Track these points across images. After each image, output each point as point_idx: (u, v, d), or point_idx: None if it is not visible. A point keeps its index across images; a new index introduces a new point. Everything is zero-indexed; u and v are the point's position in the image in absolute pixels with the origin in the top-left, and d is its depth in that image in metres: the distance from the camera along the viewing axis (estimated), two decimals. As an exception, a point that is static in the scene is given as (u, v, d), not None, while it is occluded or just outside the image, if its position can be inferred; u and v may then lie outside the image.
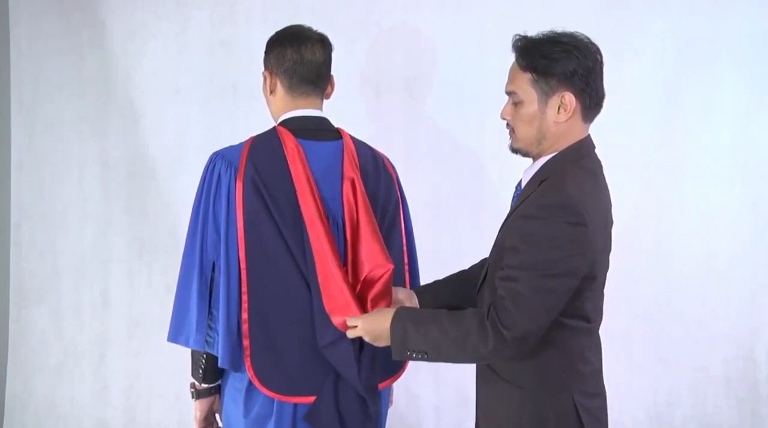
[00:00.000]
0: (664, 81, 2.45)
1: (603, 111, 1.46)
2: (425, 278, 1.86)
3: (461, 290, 1.66)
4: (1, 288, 2.76)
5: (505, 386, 1.45)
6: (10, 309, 2.77)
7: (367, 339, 1.48)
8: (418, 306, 1.66)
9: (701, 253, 2.49)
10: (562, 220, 1.30)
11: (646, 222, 2.49)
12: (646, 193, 2.48)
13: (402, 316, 1.43)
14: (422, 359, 1.41)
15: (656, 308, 2.52)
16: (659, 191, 2.49)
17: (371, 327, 1.46)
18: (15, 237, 2.76)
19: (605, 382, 1.55)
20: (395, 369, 1.71)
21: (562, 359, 1.43)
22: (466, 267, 1.75)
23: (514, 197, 1.54)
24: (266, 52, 1.67)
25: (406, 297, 1.64)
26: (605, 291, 1.51)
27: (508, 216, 1.46)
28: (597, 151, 1.48)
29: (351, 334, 1.50)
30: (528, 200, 1.38)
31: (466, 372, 1.64)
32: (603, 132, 1.54)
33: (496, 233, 1.49)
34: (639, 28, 2.44)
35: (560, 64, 1.36)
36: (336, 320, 1.52)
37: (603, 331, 1.53)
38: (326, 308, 1.52)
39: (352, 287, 1.54)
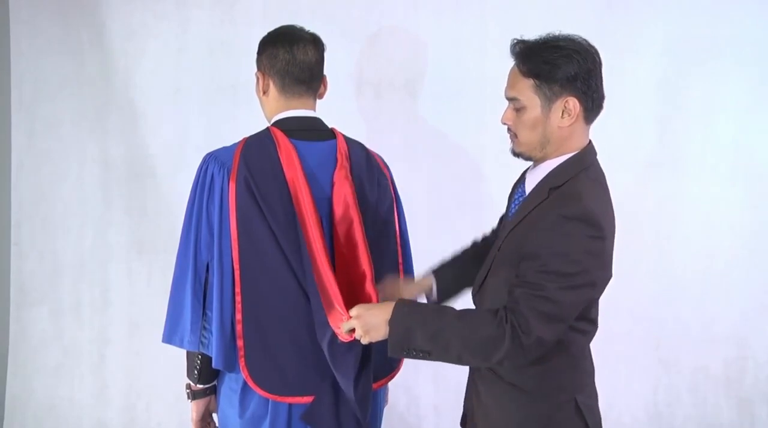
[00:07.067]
0: (664, 81, 2.45)
1: (603, 111, 1.46)
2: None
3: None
4: (1, 288, 2.76)
5: (507, 389, 1.45)
6: (10, 309, 2.77)
7: (359, 331, 1.41)
8: (436, 292, 1.67)
9: (702, 253, 2.48)
10: (583, 234, 1.31)
11: (647, 223, 2.49)
12: (646, 193, 2.48)
13: (404, 311, 1.38)
14: (421, 358, 1.38)
15: (656, 308, 2.52)
16: (660, 191, 2.49)
17: (365, 320, 1.41)
18: (15, 237, 2.76)
19: (605, 382, 1.56)
20: (390, 368, 1.70)
21: (569, 362, 1.43)
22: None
23: (516, 198, 1.53)
24: (258, 53, 1.67)
25: (395, 290, 1.61)
26: (606, 291, 1.51)
27: (515, 221, 1.44)
28: (597, 150, 1.48)
29: (346, 327, 1.44)
30: (543, 209, 1.37)
31: (467, 372, 1.64)
32: (603, 132, 1.54)
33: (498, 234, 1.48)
34: (639, 28, 2.44)
35: (562, 69, 1.35)
36: (332, 320, 1.49)
37: (603, 331, 1.54)
38: (324, 307, 1.50)
39: (343, 289, 1.51)
